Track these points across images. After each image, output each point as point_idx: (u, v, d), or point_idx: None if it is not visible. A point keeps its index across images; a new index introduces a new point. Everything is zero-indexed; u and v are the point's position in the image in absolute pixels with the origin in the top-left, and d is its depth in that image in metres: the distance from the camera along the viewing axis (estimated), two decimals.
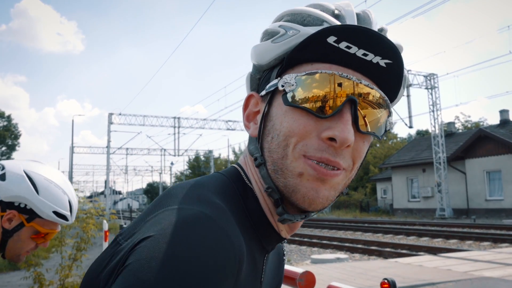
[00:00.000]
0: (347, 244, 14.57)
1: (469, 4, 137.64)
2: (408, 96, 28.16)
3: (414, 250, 13.00)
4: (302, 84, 0.70)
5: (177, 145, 40.24)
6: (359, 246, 14.09)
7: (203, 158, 66.25)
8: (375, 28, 0.74)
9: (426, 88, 29.80)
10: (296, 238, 16.21)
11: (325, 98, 0.68)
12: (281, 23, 0.75)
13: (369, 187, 48.22)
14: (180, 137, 40.09)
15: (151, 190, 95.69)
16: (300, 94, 0.69)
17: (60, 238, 6.37)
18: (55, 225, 1.52)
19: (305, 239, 16.19)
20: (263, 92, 0.77)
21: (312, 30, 0.70)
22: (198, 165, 67.22)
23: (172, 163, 56.07)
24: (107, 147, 38.89)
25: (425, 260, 9.81)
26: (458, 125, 49.79)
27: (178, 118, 39.63)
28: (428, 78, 29.76)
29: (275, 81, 0.74)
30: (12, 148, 56.19)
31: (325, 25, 0.71)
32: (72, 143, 43.97)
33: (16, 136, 56.71)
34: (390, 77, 0.72)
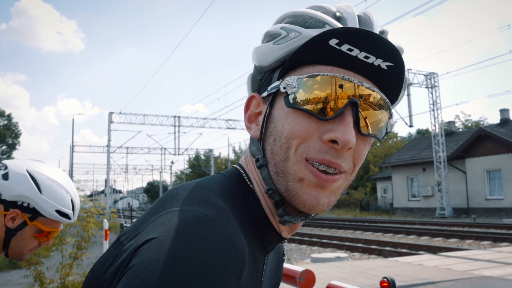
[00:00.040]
0: (347, 243, 14.58)
1: (469, 3, 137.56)
2: (408, 95, 28.15)
3: (414, 249, 13.00)
4: (304, 86, 0.70)
5: (177, 144, 40.26)
6: (359, 245, 14.09)
7: (203, 157, 66.25)
8: (376, 30, 0.74)
9: (427, 87, 29.78)
10: (296, 237, 16.21)
11: (327, 100, 0.68)
12: (283, 25, 0.75)
13: (369, 186, 48.20)
14: (180, 136, 40.07)
15: (151, 189, 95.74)
16: (302, 96, 0.70)
17: (60, 237, 6.36)
18: (57, 224, 1.53)
19: (305, 238, 16.20)
20: (265, 94, 0.77)
21: (314, 32, 0.71)
22: (198, 164, 67.19)
23: (172, 162, 56.02)
24: (107, 146, 38.90)
25: (425, 259, 9.82)
26: (458, 124, 49.79)
27: (178, 117, 39.64)
28: (428, 77, 29.74)
29: (277, 83, 0.74)
30: (12, 147, 56.20)
31: (327, 28, 0.71)
32: (73, 142, 44.02)
33: (17, 135, 56.72)
34: (391, 79, 0.72)
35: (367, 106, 0.71)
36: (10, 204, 1.45)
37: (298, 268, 2.05)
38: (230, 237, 0.60)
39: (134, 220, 0.77)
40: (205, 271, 0.55)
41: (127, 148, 52.13)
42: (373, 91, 0.71)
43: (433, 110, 29.84)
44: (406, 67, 0.76)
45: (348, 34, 0.67)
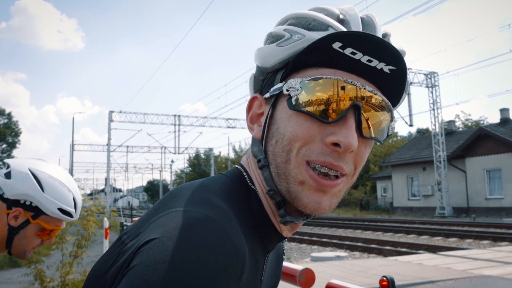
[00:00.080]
0: (347, 242, 14.59)
1: (470, 3, 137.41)
2: (408, 94, 27.96)
3: (414, 248, 13.01)
4: (306, 88, 0.70)
5: (178, 143, 40.25)
6: (359, 244, 14.09)
7: (203, 156, 66.13)
8: (379, 32, 0.74)
9: (427, 87, 29.77)
10: (296, 236, 16.21)
11: (330, 103, 0.69)
12: (286, 26, 0.75)
13: (369, 185, 48.20)
14: (180, 135, 40.16)
15: (151, 188, 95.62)
16: (304, 98, 0.70)
17: (61, 236, 6.36)
18: (60, 222, 1.54)
19: (305, 237, 16.20)
20: (267, 95, 0.77)
21: (317, 35, 0.71)
22: (198, 163, 67.10)
23: (172, 161, 55.90)
24: (107, 144, 38.87)
25: (424, 258, 9.83)
26: (458, 123, 49.74)
27: (179, 116, 39.63)
28: (429, 76, 29.73)
29: (279, 85, 0.74)
30: (12, 145, 56.21)
31: (330, 31, 0.71)
32: (73, 141, 43.98)
33: (17, 134, 56.72)
34: (394, 83, 0.72)
35: (369, 108, 0.71)
36: (13, 203, 1.46)
37: (298, 266, 2.06)
38: (230, 238, 0.61)
39: (134, 219, 0.77)
40: (206, 271, 0.55)
41: (127, 147, 52.12)
42: (376, 94, 0.71)
43: (433, 109, 29.83)
44: (407, 66, 0.77)
45: (352, 38, 0.67)
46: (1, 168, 1.53)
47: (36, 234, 1.50)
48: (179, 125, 39.56)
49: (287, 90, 0.72)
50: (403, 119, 27.45)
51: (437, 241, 15.25)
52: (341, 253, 11.85)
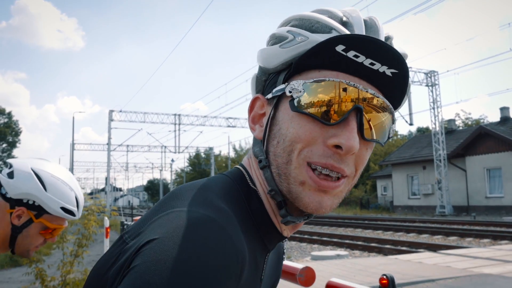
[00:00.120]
0: (347, 241, 14.60)
1: (470, 2, 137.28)
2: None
3: (414, 247, 13.02)
4: (309, 90, 0.70)
5: (178, 142, 40.26)
6: (359, 243, 14.10)
7: (203, 155, 66.05)
8: (382, 35, 0.75)
9: (427, 86, 29.76)
10: (297, 235, 16.22)
11: (332, 105, 0.69)
12: (289, 28, 0.76)
13: (369, 184, 48.19)
14: (180, 134, 40.13)
15: (152, 187, 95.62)
16: (307, 100, 0.70)
17: (61, 235, 6.36)
18: (62, 221, 1.55)
19: (306, 236, 16.21)
20: (270, 96, 0.78)
21: (320, 37, 0.71)
22: (198, 162, 67.03)
23: (172, 160, 55.93)
24: (107, 144, 38.87)
25: (424, 257, 9.84)
26: (458, 122, 49.73)
27: (179, 115, 39.61)
28: (429, 75, 29.71)
29: (282, 86, 0.74)
30: (12, 145, 56.20)
31: (334, 33, 0.72)
32: (73, 140, 43.93)
33: (17, 133, 56.70)
34: (396, 86, 0.73)
35: (370, 109, 0.71)
36: (16, 202, 1.47)
37: (298, 265, 2.07)
38: (230, 238, 0.61)
39: (134, 218, 0.78)
40: (206, 271, 0.56)
41: (128, 146, 52.10)
42: (377, 97, 0.71)
43: (434, 108, 29.82)
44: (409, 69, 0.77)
45: (355, 41, 0.67)
46: (2, 168, 1.54)
47: (39, 233, 1.51)
48: (179, 124, 39.56)
49: (290, 92, 0.72)
50: (403, 118, 27.47)
51: (437, 239, 15.26)
52: (342, 251, 11.88)
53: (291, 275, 2.05)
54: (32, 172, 1.49)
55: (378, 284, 1.91)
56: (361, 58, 0.68)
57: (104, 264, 0.67)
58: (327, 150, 0.70)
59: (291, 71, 0.74)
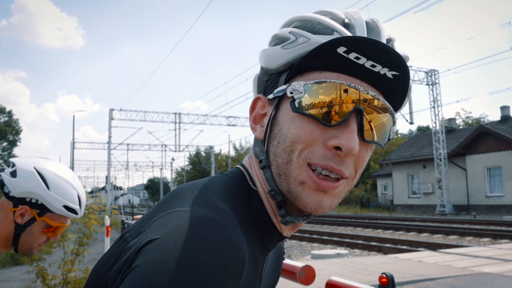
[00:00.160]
0: (347, 240, 14.61)
1: (470, 1, 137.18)
2: None
3: (414, 246, 13.03)
4: (310, 91, 0.71)
5: (178, 140, 40.24)
6: (359, 241, 14.11)
7: (204, 154, 65.99)
8: (383, 37, 0.75)
9: (427, 84, 29.73)
10: (297, 234, 16.21)
11: (332, 106, 0.70)
12: (291, 29, 0.76)
13: (370, 183, 48.18)
14: (181, 132, 40.16)
15: (152, 186, 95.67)
16: (308, 101, 0.71)
17: (62, 233, 6.39)
18: (65, 219, 1.56)
19: (306, 235, 16.22)
20: (271, 96, 0.78)
21: (322, 38, 0.71)
22: (199, 161, 66.99)
23: (173, 159, 55.93)
24: (108, 142, 38.84)
25: (424, 255, 9.84)
26: (459, 121, 49.67)
27: (179, 113, 39.60)
28: (429, 74, 29.69)
29: (283, 87, 0.75)
30: (13, 143, 56.21)
31: (335, 35, 0.72)
32: (73, 139, 43.90)
33: (17, 132, 56.71)
34: (396, 88, 0.73)
35: (371, 110, 0.72)
36: (19, 201, 1.48)
37: (298, 264, 2.07)
38: (230, 238, 0.62)
39: (135, 217, 0.78)
40: (206, 271, 0.56)
41: (128, 144, 52.05)
42: (378, 99, 0.72)
43: (434, 107, 29.80)
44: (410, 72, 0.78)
45: (356, 43, 0.68)
46: (5, 167, 1.55)
47: (42, 231, 1.53)
48: (179, 123, 39.53)
49: (291, 93, 0.72)
50: (404, 117, 27.44)
51: (437, 238, 15.26)
52: (342, 250, 11.89)
53: (291, 273, 2.05)
54: (35, 171, 1.50)
55: (378, 282, 1.92)
56: (362, 60, 0.69)
57: (105, 263, 0.68)
58: (327, 151, 0.70)
59: (293, 72, 0.75)
